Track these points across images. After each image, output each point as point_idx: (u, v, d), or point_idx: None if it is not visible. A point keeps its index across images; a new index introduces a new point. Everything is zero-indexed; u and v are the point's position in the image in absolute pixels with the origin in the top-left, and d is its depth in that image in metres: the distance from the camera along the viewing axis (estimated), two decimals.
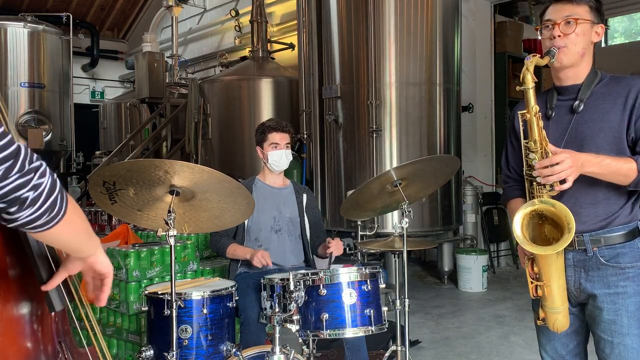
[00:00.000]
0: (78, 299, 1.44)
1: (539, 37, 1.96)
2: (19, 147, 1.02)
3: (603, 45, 10.59)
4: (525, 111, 1.83)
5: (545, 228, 1.83)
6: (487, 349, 4.15)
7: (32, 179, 1.02)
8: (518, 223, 1.79)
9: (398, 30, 5.37)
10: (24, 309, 1.27)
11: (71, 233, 1.17)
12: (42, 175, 1.04)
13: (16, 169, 1.00)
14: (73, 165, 8.99)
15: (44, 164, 1.06)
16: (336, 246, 2.98)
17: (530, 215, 1.81)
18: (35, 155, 1.05)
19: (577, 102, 1.91)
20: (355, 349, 2.75)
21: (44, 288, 1.28)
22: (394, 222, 5.20)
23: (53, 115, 8.32)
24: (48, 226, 1.08)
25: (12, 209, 1.02)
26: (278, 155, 3.12)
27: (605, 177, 1.82)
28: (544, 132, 1.81)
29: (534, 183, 1.83)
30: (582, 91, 1.91)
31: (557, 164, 1.73)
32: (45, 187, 1.05)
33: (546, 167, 1.75)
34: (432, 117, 5.52)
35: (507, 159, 2.13)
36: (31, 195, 1.02)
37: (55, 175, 1.09)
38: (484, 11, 7.27)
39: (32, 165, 1.03)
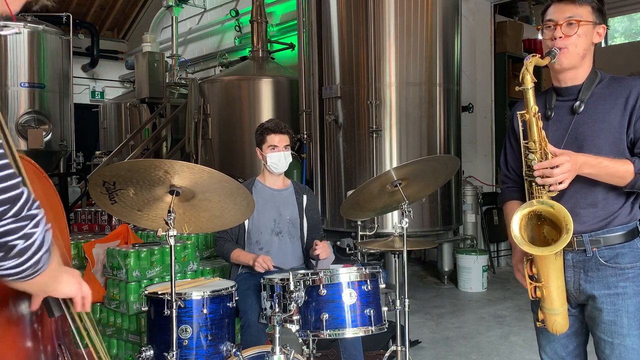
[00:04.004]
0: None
1: (540, 37, 1.95)
2: (21, 193, 1.00)
3: (603, 45, 10.58)
4: (524, 112, 1.82)
5: (544, 229, 1.82)
6: (487, 349, 4.15)
7: (25, 226, 1.00)
8: (516, 224, 1.78)
9: (398, 30, 5.37)
10: (23, 312, 1.27)
11: (38, 283, 1.14)
12: (36, 225, 1.02)
13: (11, 213, 0.98)
14: (73, 165, 8.99)
15: (41, 214, 1.04)
16: (322, 249, 2.97)
17: (528, 216, 1.81)
18: (36, 203, 1.03)
19: (577, 103, 1.90)
20: (350, 350, 2.74)
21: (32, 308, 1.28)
22: (394, 222, 5.20)
23: (53, 115, 8.32)
24: (25, 280, 1.06)
25: None
26: (276, 157, 3.10)
27: (601, 178, 1.82)
28: (543, 132, 1.80)
29: (534, 184, 1.82)
30: (583, 92, 1.90)
31: (557, 166, 1.73)
32: (36, 240, 1.02)
33: (545, 169, 1.75)
34: (432, 117, 5.52)
35: (506, 160, 2.12)
36: (20, 244, 1.00)
37: (48, 227, 1.06)
38: (484, 11, 7.27)
39: (29, 212, 1.01)
